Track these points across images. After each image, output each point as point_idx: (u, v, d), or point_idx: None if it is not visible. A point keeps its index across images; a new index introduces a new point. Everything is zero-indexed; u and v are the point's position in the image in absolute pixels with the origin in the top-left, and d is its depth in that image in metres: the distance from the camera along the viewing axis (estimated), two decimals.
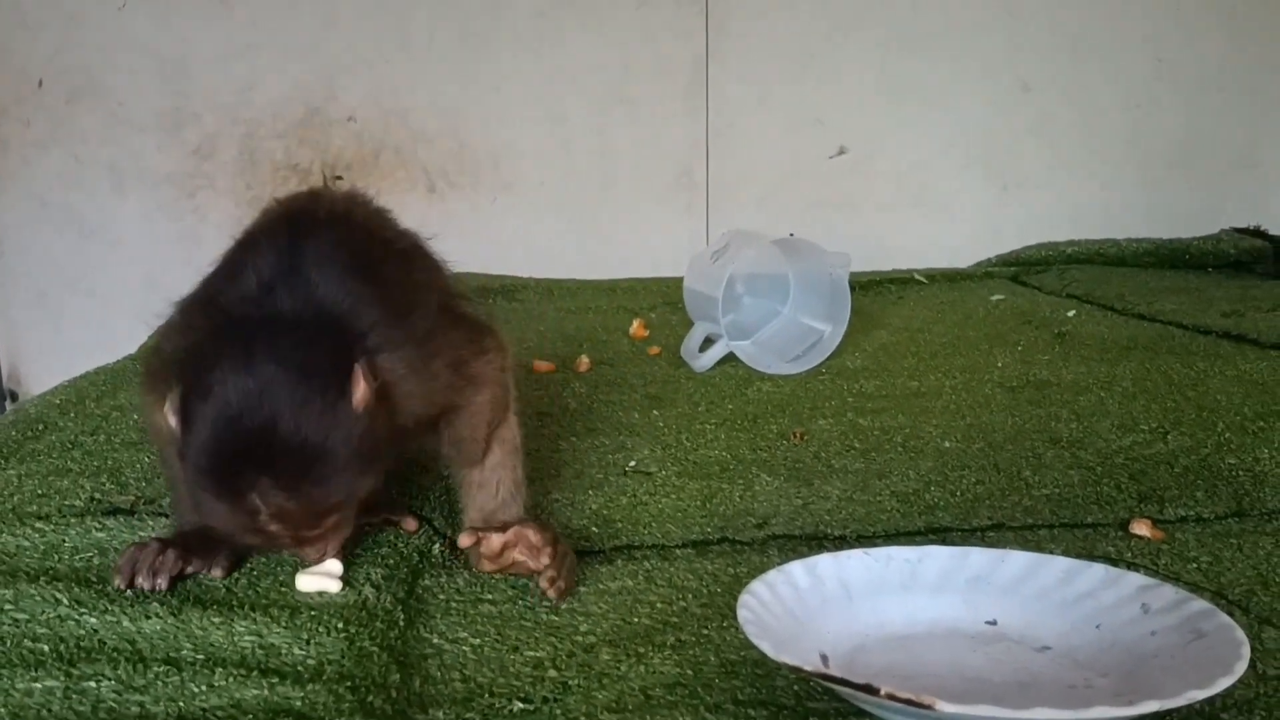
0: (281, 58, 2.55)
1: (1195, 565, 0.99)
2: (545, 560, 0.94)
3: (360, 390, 0.85)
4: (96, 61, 2.53)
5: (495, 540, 0.95)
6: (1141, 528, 1.08)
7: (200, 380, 0.84)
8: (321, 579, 0.93)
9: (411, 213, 2.77)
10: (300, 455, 0.83)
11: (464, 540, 0.97)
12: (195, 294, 0.96)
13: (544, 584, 0.93)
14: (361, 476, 0.87)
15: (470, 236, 2.57)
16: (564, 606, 0.93)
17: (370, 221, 1.03)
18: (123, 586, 0.90)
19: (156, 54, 2.54)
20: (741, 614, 0.78)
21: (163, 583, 0.90)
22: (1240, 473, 1.20)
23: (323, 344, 0.86)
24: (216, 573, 0.94)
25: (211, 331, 0.88)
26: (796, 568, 0.87)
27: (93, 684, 0.76)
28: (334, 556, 0.92)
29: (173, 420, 0.86)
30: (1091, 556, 0.93)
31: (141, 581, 0.90)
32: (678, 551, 1.05)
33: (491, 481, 1.03)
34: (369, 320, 0.89)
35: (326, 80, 2.56)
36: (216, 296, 0.92)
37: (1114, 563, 0.94)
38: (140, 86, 2.55)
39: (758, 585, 0.83)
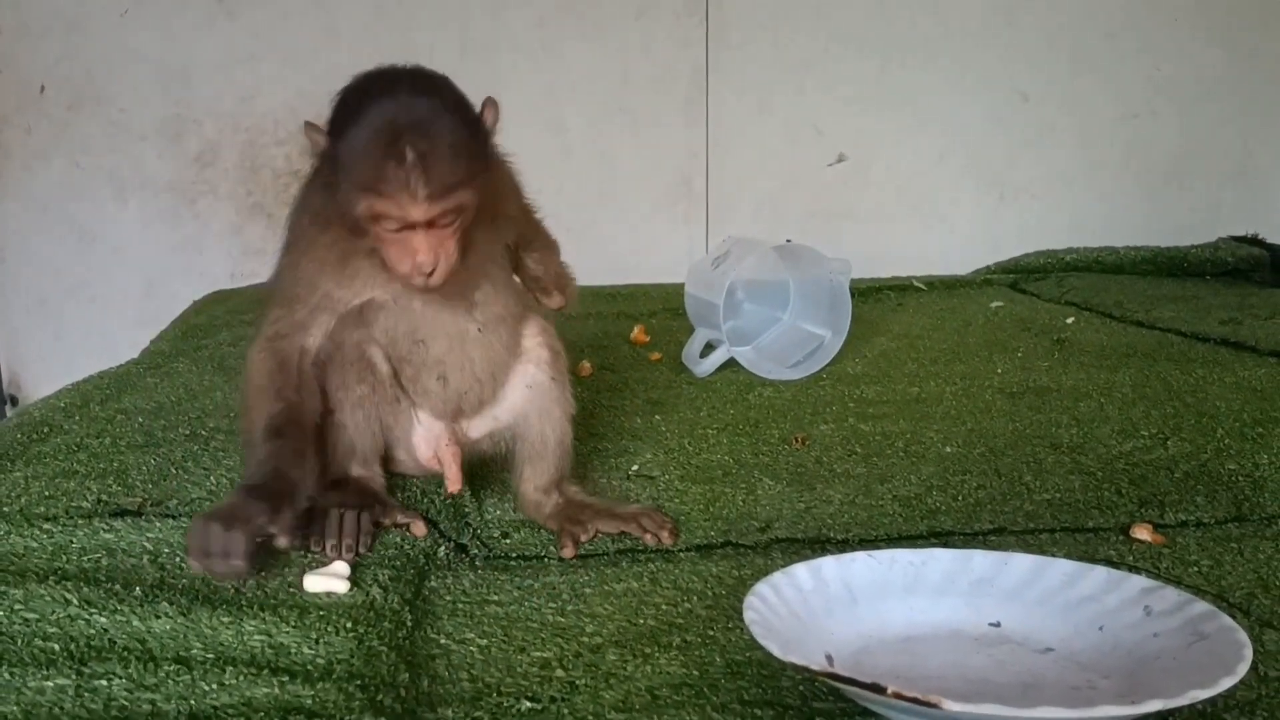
0: (283, 66, 2.56)
1: (1196, 569, 1.00)
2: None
3: (491, 112, 1.02)
4: (98, 69, 2.54)
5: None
6: (1142, 532, 1.08)
7: (350, 99, 1.00)
8: (329, 580, 0.94)
9: None
10: (449, 128, 0.98)
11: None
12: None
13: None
14: (478, 187, 0.99)
15: None
16: (569, 608, 0.93)
17: None
18: (201, 570, 0.92)
19: (158, 62, 2.55)
20: (747, 615, 0.79)
21: (239, 563, 0.91)
22: (1240, 478, 1.21)
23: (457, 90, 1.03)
24: (282, 541, 0.95)
25: (354, 86, 1.02)
26: (801, 570, 0.88)
27: (104, 682, 0.76)
28: (439, 273, 1.00)
29: (315, 133, 1.00)
30: (1093, 561, 0.94)
31: (218, 567, 0.91)
32: (681, 554, 1.06)
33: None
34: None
35: (328, 88, 2.56)
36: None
37: (1115, 566, 0.95)
38: (142, 94, 2.56)
39: (763, 587, 0.84)
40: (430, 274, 1.00)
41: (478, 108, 1.03)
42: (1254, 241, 2.49)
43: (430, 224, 0.98)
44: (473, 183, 0.99)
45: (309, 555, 1.01)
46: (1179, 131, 2.73)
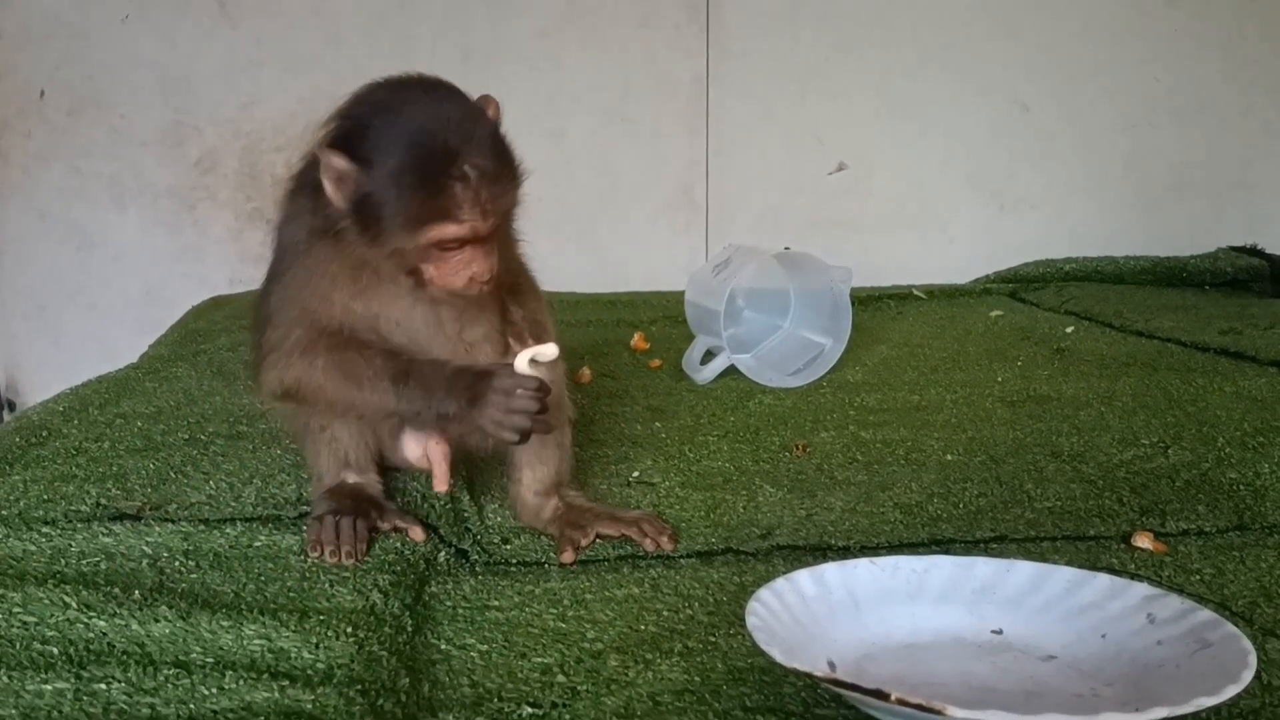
0: (284, 73, 2.56)
1: (1198, 577, 1.00)
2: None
3: (496, 110, 1.01)
4: (99, 74, 2.54)
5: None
6: (1143, 540, 1.08)
7: (372, 120, 0.99)
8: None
9: None
10: (493, 138, 0.99)
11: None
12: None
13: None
14: (519, 184, 1.02)
15: None
16: (570, 614, 0.93)
17: None
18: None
19: (159, 67, 2.55)
20: (750, 621, 0.79)
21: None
22: (1241, 487, 1.21)
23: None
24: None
25: (362, 102, 1.02)
26: (804, 576, 0.87)
27: (103, 686, 0.76)
28: (493, 279, 1.02)
29: (341, 161, 0.97)
30: (1094, 568, 0.94)
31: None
32: (683, 561, 1.06)
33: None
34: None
35: (328, 95, 2.56)
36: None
37: (1117, 574, 0.94)
38: (142, 100, 2.55)
39: (765, 593, 0.83)
40: (486, 281, 1.01)
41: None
42: (1253, 252, 2.49)
43: (488, 235, 1.00)
44: (518, 182, 1.02)
45: (307, 559, 1.01)
46: (1179, 142, 2.73)
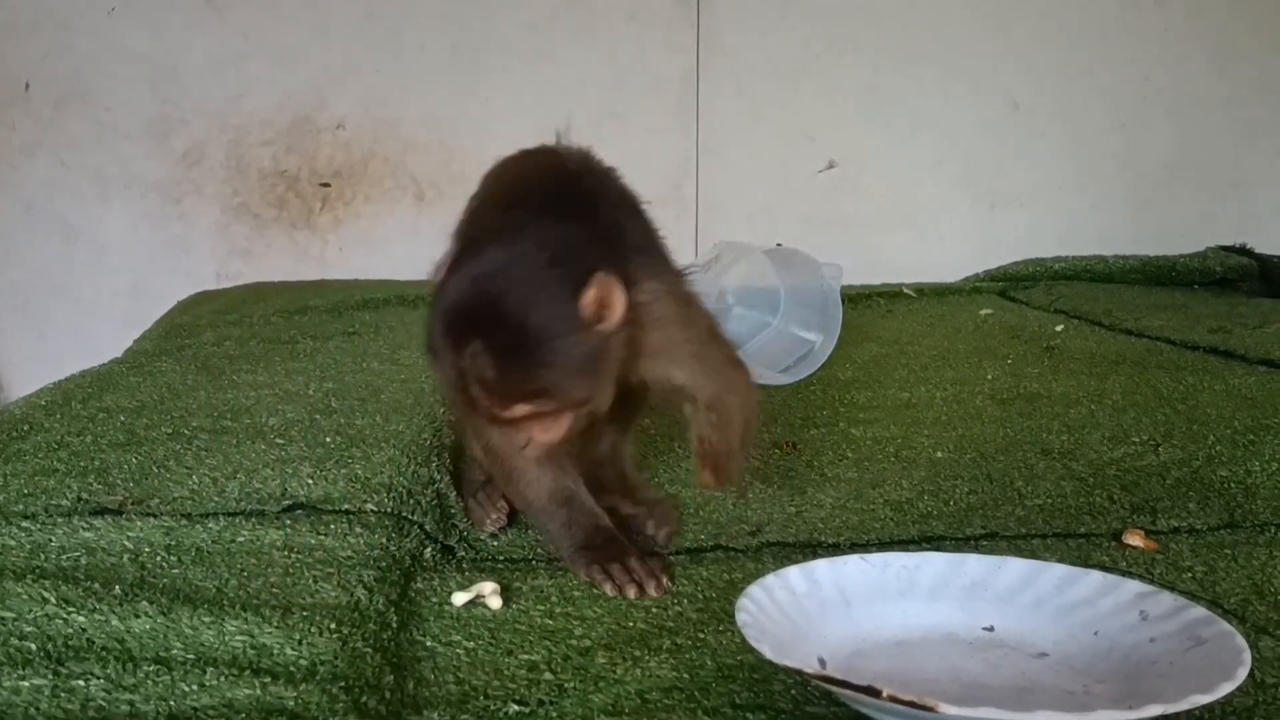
0: (271, 65, 2.55)
1: (1190, 575, 0.99)
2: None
3: (590, 296, 0.87)
4: (85, 67, 2.52)
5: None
6: (1134, 538, 1.08)
7: (466, 248, 0.92)
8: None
9: (400, 220, 2.77)
10: (515, 330, 0.86)
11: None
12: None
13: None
14: (577, 380, 0.89)
15: None
16: (558, 611, 0.92)
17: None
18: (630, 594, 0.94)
19: (146, 60, 2.53)
20: (740, 617, 0.78)
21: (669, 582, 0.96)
22: (1232, 485, 1.20)
23: (582, 249, 0.89)
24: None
25: (490, 220, 0.96)
26: (794, 573, 0.87)
27: (81, 683, 0.75)
28: (540, 448, 0.93)
29: (439, 273, 0.91)
30: (1086, 566, 0.93)
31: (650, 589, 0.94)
32: (671, 558, 1.05)
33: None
34: (636, 244, 0.94)
35: (316, 88, 2.56)
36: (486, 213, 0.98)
37: (1109, 572, 0.93)
38: (129, 92, 2.54)
39: (755, 589, 0.83)
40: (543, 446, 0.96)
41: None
42: (1242, 251, 2.49)
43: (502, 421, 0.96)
44: (556, 384, 0.91)
45: (290, 555, 0.99)
46: (1168, 141, 2.74)
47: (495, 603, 0.93)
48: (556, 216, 0.92)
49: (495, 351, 0.86)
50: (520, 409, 0.90)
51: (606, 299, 0.88)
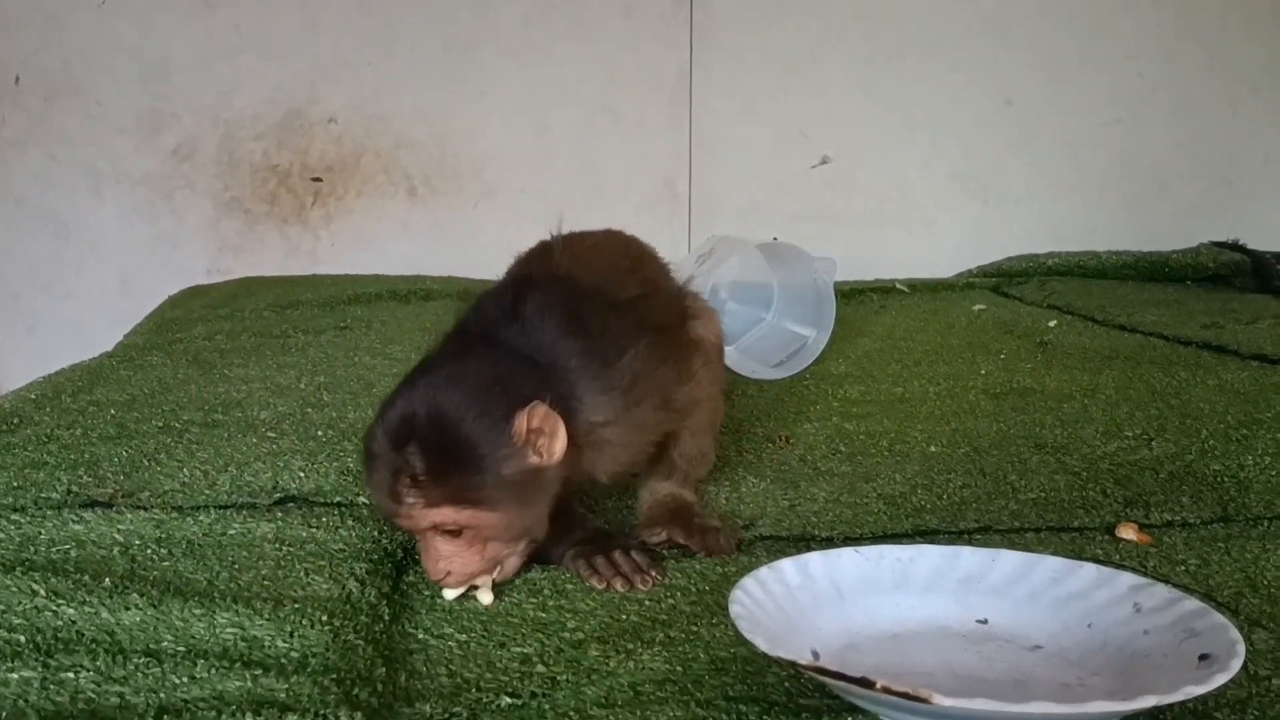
0: (263, 60, 2.54)
1: (1184, 568, 0.99)
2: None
3: (519, 424, 0.89)
4: (75, 60, 2.51)
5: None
6: (1128, 532, 1.08)
7: (418, 368, 0.95)
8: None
9: (392, 215, 2.75)
10: (453, 435, 0.88)
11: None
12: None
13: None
14: (508, 495, 0.90)
15: (451, 241, 2.56)
16: (551, 604, 0.92)
17: (601, 275, 1.09)
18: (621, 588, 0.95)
19: (136, 54, 2.52)
20: (734, 609, 0.78)
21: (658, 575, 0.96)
22: (1225, 479, 1.20)
23: (520, 375, 0.93)
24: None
25: (446, 343, 0.99)
26: (788, 565, 0.86)
27: (71, 675, 0.74)
28: (457, 581, 0.92)
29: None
30: (1080, 559, 0.93)
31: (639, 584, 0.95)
32: (665, 550, 1.04)
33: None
34: (572, 370, 0.96)
35: (308, 83, 2.55)
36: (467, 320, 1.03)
37: (1103, 565, 0.93)
38: (119, 86, 2.52)
39: (749, 582, 0.82)
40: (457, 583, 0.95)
41: None
42: (1235, 247, 2.49)
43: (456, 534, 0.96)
44: (491, 501, 0.92)
45: (281, 547, 0.99)
46: (1161, 137, 2.74)
47: (487, 596, 0.93)
48: (500, 342, 0.97)
49: (430, 450, 0.88)
50: (446, 512, 0.89)
51: (546, 429, 0.91)
